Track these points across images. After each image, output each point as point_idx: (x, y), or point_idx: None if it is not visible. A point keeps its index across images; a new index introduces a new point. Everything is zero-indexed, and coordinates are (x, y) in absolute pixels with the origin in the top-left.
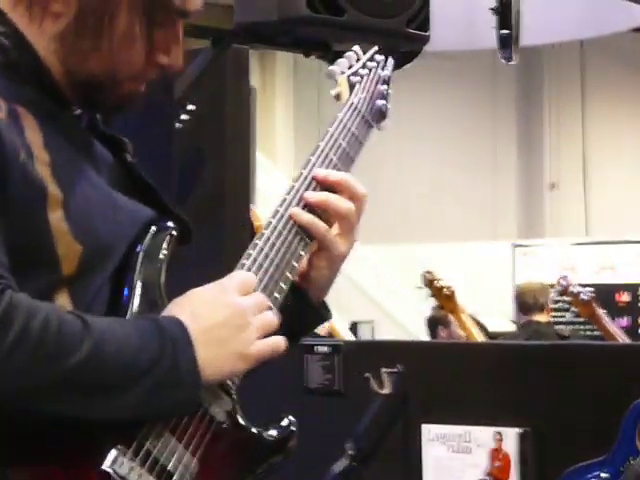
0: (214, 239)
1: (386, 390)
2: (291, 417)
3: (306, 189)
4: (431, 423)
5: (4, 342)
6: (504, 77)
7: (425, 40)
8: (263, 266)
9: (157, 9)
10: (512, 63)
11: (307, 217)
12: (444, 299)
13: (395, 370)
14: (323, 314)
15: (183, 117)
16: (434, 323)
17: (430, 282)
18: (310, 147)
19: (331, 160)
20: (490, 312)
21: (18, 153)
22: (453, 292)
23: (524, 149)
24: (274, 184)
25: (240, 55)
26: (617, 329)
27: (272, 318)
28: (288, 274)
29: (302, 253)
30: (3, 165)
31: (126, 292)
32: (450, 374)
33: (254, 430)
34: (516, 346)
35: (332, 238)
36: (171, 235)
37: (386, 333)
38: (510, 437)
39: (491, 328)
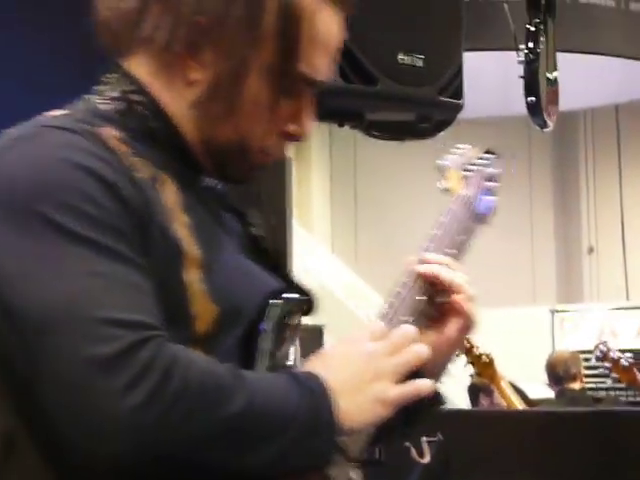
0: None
1: (426, 459)
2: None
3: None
4: None
5: (167, 394)
6: (539, 142)
7: (459, 108)
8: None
9: (286, 78)
10: (547, 130)
11: (450, 275)
12: (482, 366)
13: (435, 439)
14: (441, 400)
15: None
16: (475, 391)
17: (468, 349)
18: (346, 217)
19: (443, 250)
20: (529, 378)
21: (159, 213)
22: (492, 360)
23: (561, 213)
24: (311, 254)
25: None
26: None
27: (409, 358)
28: None
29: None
30: (146, 225)
31: (254, 356)
32: (491, 442)
33: None
34: (555, 413)
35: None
36: (297, 306)
37: None
38: None
39: (531, 395)
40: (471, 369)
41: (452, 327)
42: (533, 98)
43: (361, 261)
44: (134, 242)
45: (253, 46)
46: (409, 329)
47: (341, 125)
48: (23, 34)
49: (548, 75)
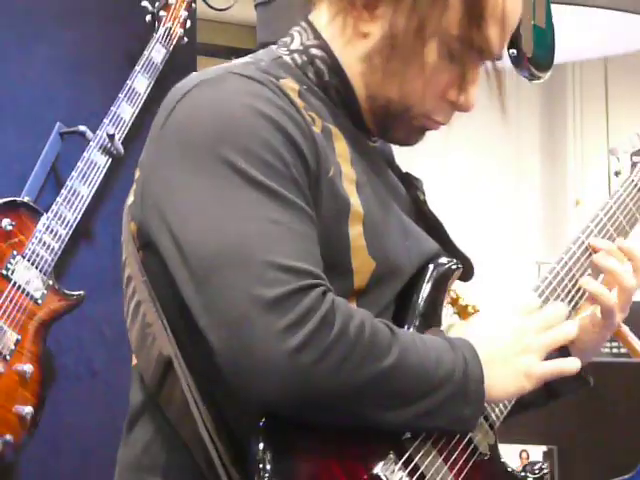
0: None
1: None
2: (545, 465)
3: (582, 255)
4: None
5: (325, 340)
6: (527, 94)
7: None
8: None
9: (461, 47)
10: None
11: (597, 288)
12: (469, 317)
13: None
14: (587, 381)
15: None
16: None
17: (455, 300)
18: None
19: (608, 230)
20: None
21: (329, 168)
22: (478, 311)
23: (548, 166)
24: None
25: None
26: None
27: (558, 336)
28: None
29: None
30: (317, 178)
31: (409, 315)
32: None
33: (510, 469)
34: None
35: (615, 309)
36: (455, 270)
37: None
38: (536, 455)
39: None
40: (457, 319)
41: (602, 312)
42: (514, 50)
43: None
44: (307, 194)
45: (435, 8)
46: (560, 307)
47: None
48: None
49: (539, 25)
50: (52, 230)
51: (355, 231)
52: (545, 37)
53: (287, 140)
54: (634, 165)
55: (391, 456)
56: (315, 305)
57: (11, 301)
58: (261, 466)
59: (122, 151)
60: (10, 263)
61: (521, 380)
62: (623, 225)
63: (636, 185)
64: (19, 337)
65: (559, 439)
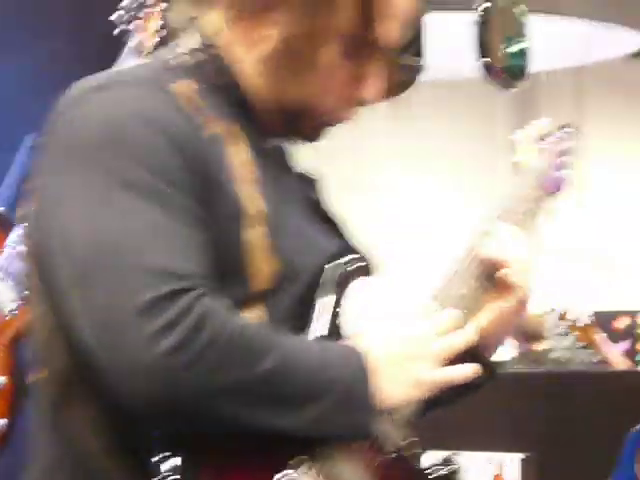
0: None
1: None
2: (455, 462)
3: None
4: (434, 450)
5: (195, 345)
6: (503, 103)
7: (419, 69)
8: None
9: (359, 43)
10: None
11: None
12: None
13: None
14: (491, 373)
15: None
16: None
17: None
18: None
19: (513, 219)
20: None
21: (220, 171)
22: None
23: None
24: None
25: None
26: (617, 356)
27: (455, 343)
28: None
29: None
30: (208, 182)
31: (309, 316)
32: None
33: (419, 466)
34: (518, 374)
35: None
36: (355, 269)
37: None
38: (514, 462)
39: (493, 357)
40: None
41: (506, 302)
42: (486, 60)
43: None
44: (192, 196)
45: (329, 9)
46: (454, 313)
47: None
48: None
49: (510, 34)
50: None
51: (255, 233)
52: (519, 47)
53: (173, 145)
54: (537, 153)
55: (290, 464)
56: (187, 309)
57: None
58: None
59: None
60: None
61: (410, 388)
62: (524, 213)
63: (538, 174)
64: None
65: (536, 446)
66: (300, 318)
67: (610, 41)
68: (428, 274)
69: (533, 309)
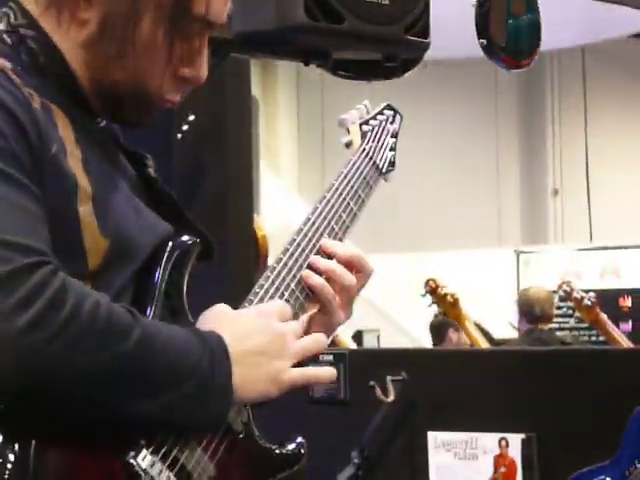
0: (218, 254)
1: (391, 398)
2: (301, 439)
3: (318, 237)
4: (437, 430)
5: (55, 320)
6: (506, 84)
7: (425, 47)
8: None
9: (180, 19)
10: (513, 71)
11: (318, 281)
12: (448, 306)
13: (400, 378)
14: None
15: (183, 128)
16: (443, 327)
17: (434, 289)
18: (314, 158)
19: (344, 199)
20: (494, 319)
21: (51, 145)
22: (457, 299)
23: (526, 156)
24: (279, 195)
25: (240, 64)
26: (620, 334)
27: (309, 345)
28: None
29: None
30: (40, 156)
31: (147, 297)
32: (455, 381)
33: (267, 445)
34: (520, 352)
35: (336, 306)
36: (192, 249)
37: (391, 341)
38: (515, 443)
39: (496, 335)
40: (435, 309)
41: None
42: (484, 40)
43: None
44: (30, 171)
45: None
46: (305, 317)
47: (307, 64)
48: None
49: (517, 14)
50: None
51: (85, 209)
52: (526, 25)
53: (6, 115)
54: (364, 134)
55: (142, 444)
56: (44, 283)
57: None
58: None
59: None
60: None
61: (268, 384)
62: (359, 194)
63: (368, 154)
64: None
65: (538, 427)
66: (135, 296)
67: (612, 21)
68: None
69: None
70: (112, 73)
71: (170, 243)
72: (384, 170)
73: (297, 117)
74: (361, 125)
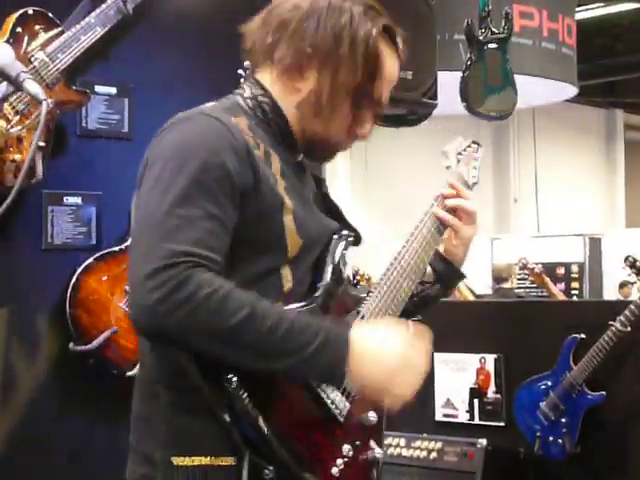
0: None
1: (410, 332)
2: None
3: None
4: (439, 352)
5: (176, 298)
6: (484, 128)
7: (434, 106)
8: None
9: (363, 99)
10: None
11: (444, 213)
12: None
13: (416, 318)
14: (463, 274)
15: None
16: None
17: None
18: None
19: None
20: (476, 282)
21: (268, 177)
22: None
23: (497, 174)
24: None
25: None
26: (558, 291)
27: (417, 380)
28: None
29: (440, 239)
30: (259, 185)
31: (324, 271)
32: (452, 320)
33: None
34: (493, 302)
35: (462, 226)
36: (350, 239)
37: None
38: (490, 360)
39: (477, 292)
40: None
41: (464, 231)
42: (464, 103)
43: (374, 218)
44: (223, 203)
45: (346, 73)
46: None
47: None
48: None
49: (491, 86)
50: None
51: (288, 219)
52: (502, 92)
53: (221, 166)
54: (459, 161)
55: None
56: (176, 275)
57: None
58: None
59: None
60: None
61: (371, 385)
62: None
63: (460, 175)
64: None
65: (505, 350)
66: (314, 273)
67: (550, 89)
68: None
69: (505, 260)
70: (313, 127)
71: (336, 236)
72: (470, 184)
73: (349, 154)
74: (457, 154)
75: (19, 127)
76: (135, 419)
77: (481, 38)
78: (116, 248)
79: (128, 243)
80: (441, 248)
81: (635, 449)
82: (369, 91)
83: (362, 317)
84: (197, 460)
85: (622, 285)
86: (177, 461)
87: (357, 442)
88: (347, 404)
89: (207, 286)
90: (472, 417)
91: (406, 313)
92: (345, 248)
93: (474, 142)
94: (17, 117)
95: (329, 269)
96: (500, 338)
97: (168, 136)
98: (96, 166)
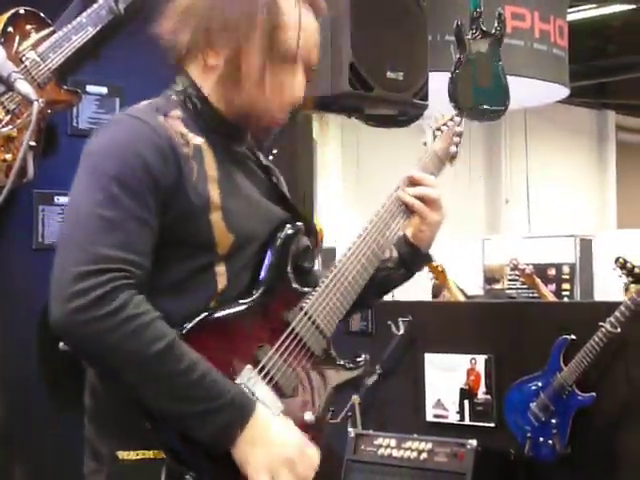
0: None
1: (401, 332)
2: (365, 355)
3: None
4: (430, 353)
5: (99, 311)
6: (476, 130)
7: (425, 107)
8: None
9: (275, 53)
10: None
11: (411, 198)
12: (439, 274)
13: (407, 319)
14: (429, 258)
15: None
16: (438, 289)
17: (431, 266)
18: (351, 179)
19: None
20: (468, 283)
21: (193, 176)
22: (444, 269)
23: (489, 177)
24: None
25: (306, 116)
26: (549, 292)
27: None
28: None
29: (403, 223)
30: (183, 183)
31: (263, 266)
32: (443, 321)
33: (340, 362)
34: (484, 303)
35: (428, 212)
36: (299, 229)
37: (403, 297)
38: (480, 361)
39: (469, 292)
40: (431, 275)
41: (430, 216)
42: (453, 103)
43: (366, 214)
44: (149, 204)
45: (246, 38)
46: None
47: (349, 117)
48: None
49: (480, 87)
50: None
51: (215, 216)
52: (492, 94)
53: (145, 167)
54: (435, 137)
55: (248, 367)
56: (102, 284)
57: None
58: None
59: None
60: None
61: (258, 469)
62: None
63: (436, 153)
64: None
65: (495, 351)
66: (254, 268)
67: (542, 90)
68: None
69: (496, 261)
70: (240, 100)
71: (283, 227)
72: (446, 162)
73: (341, 152)
74: (434, 131)
75: (10, 126)
76: (86, 414)
77: (472, 39)
78: None
79: None
80: (408, 232)
81: (625, 450)
82: (276, 42)
83: (305, 312)
84: (141, 454)
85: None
86: (122, 455)
87: None
88: (279, 404)
89: (132, 307)
90: (462, 418)
91: (367, 296)
92: (291, 239)
93: (457, 115)
94: (8, 117)
95: (268, 264)
96: (491, 339)
97: (96, 139)
98: None
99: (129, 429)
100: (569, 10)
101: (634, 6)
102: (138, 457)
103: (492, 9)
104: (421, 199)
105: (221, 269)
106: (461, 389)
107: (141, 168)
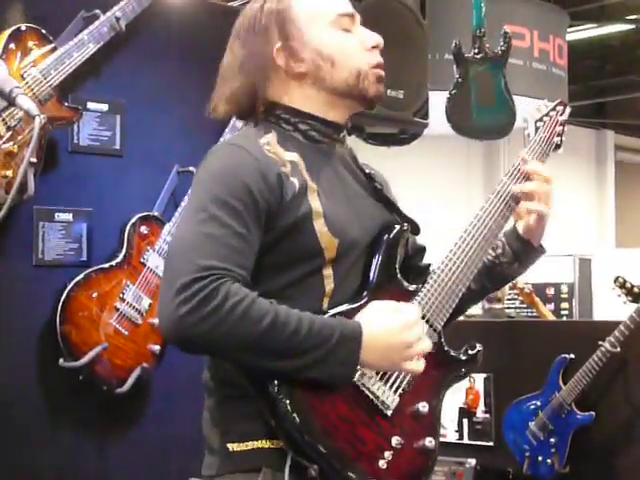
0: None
1: None
2: (479, 346)
3: (516, 179)
4: None
5: (204, 310)
6: (475, 147)
7: (425, 126)
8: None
9: (331, 25)
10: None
11: (528, 191)
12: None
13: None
14: (544, 250)
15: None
16: None
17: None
18: None
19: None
20: None
21: (295, 190)
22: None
23: (486, 188)
24: None
25: None
26: (548, 311)
27: (425, 347)
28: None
29: (509, 216)
30: (286, 201)
31: (372, 267)
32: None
33: (452, 353)
34: (483, 322)
35: (542, 206)
36: (406, 230)
37: None
38: (479, 379)
39: (468, 312)
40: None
41: (536, 207)
42: (450, 123)
43: None
44: (248, 222)
45: (312, 23)
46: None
47: (349, 134)
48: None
49: (481, 106)
50: (172, 233)
51: (318, 224)
52: (494, 113)
53: (246, 189)
54: (537, 129)
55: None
56: (204, 287)
57: (146, 279)
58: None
59: None
60: (146, 254)
61: (390, 367)
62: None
63: (538, 142)
64: (151, 301)
65: (494, 370)
66: (362, 270)
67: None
68: None
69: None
70: (340, 78)
71: (390, 228)
72: (549, 152)
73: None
74: (536, 121)
75: (10, 143)
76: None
77: (473, 58)
78: (106, 265)
79: (119, 260)
80: (519, 226)
81: (623, 469)
82: (328, 15)
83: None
84: (251, 445)
85: None
86: (232, 447)
87: (407, 434)
88: (396, 397)
89: (233, 296)
90: (461, 437)
91: (484, 288)
92: (397, 240)
93: (560, 103)
94: (9, 133)
95: (376, 265)
96: (490, 358)
97: (200, 168)
98: (87, 182)
99: (239, 422)
100: (568, 30)
101: (633, 26)
102: (248, 448)
103: (491, 28)
104: (536, 194)
105: (328, 272)
106: (460, 408)
107: (241, 190)
